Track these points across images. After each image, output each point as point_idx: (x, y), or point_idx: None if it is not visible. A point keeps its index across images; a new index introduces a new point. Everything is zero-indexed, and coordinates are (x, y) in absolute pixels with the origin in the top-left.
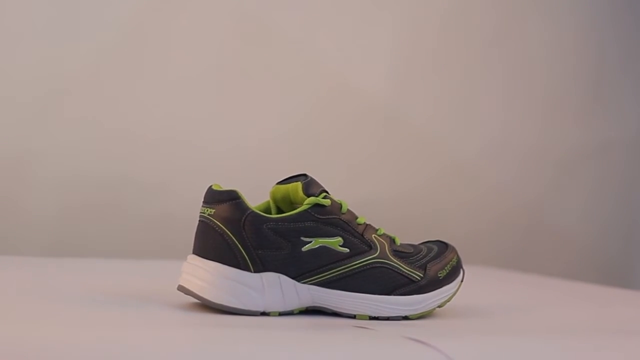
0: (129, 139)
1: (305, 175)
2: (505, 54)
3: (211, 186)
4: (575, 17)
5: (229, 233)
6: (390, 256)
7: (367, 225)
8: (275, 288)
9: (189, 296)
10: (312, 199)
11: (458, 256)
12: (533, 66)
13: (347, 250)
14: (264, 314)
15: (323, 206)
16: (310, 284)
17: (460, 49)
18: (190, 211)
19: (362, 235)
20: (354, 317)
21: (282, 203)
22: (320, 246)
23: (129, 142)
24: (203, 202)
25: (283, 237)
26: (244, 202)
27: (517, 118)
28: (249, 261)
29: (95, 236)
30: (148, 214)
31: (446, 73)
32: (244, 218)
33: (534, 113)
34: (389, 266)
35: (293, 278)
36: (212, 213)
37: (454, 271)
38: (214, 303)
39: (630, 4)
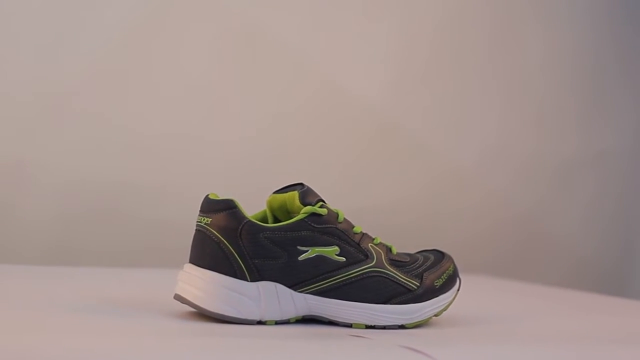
0: (127, 145)
1: (302, 184)
2: (501, 62)
3: (208, 195)
4: (572, 25)
5: (225, 242)
6: (386, 265)
7: (363, 234)
8: (271, 297)
9: (185, 305)
10: (308, 208)
11: (454, 265)
12: (530, 74)
13: (344, 259)
14: (260, 322)
15: (320, 215)
16: (307, 293)
17: (457, 57)
18: (188, 218)
19: (358, 244)
20: (350, 326)
21: (279, 212)
22: (316, 255)
23: (127, 148)
24: (200, 211)
25: (279, 246)
26: (240, 211)
27: (514, 126)
28: (245, 270)
29: (93, 242)
30: (146, 221)
31: (442, 81)
32: (240, 227)
33: (530, 121)
34: (385, 275)
35: (289, 287)
36: (208, 222)
37: (451, 280)
38: (211, 312)
39: (628, 12)
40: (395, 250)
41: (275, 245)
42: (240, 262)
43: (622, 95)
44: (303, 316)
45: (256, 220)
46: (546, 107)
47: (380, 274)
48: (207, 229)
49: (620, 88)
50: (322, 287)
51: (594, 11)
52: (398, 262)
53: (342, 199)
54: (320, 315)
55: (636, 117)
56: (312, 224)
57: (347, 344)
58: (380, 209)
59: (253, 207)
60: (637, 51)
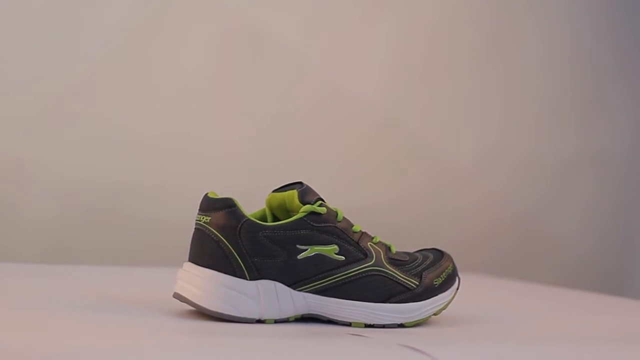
0: (127, 145)
1: (301, 183)
2: (500, 62)
3: (207, 194)
4: (571, 24)
5: (224, 241)
6: (385, 264)
7: (362, 233)
8: (270, 295)
9: (184, 303)
10: (307, 207)
11: (454, 264)
12: (529, 74)
13: (343, 258)
14: (259, 321)
15: (319, 214)
16: (306, 291)
17: (456, 56)
18: (187, 217)
19: (357, 243)
20: (349, 324)
21: (278, 211)
22: (316, 254)
23: (125, 148)
24: (199, 209)
25: (279, 245)
26: (239, 209)
27: (513, 125)
28: (244, 269)
29: (93, 241)
30: (145, 220)
31: (441, 80)
32: (239, 226)
33: (529, 121)
34: (384, 274)
35: (289, 286)
36: (207, 221)
37: (450, 279)
38: (210, 310)
39: (626, 13)
40: (394, 249)
41: (274, 244)
42: (240, 260)
43: (620, 95)
44: (302, 315)
45: (255, 219)
46: (545, 107)
47: (380, 273)
48: (207, 228)
49: (619, 88)
50: (322, 286)
51: (593, 11)
52: (397, 261)
53: (341, 198)
54: (319, 314)
55: (634, 116)
56: (312, 223)
57: (346, 342)
58: (380, 208)
59: (252, 205)
60: (635, 51)
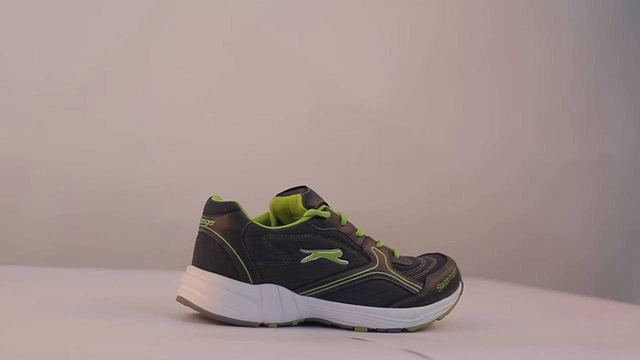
0: (130, 147)
1: (305, 187)
2: (503, 67)
3: (211, 197)
4: (575, 29)
5: (228, 244)
6: (389, 268)
7: (366, 237)
8: (274, 299)
9: (187, 307)
10: (311, 211)
11: (457, 269)
12: (532, 78)
13: (346, 262)
14: (262, 325)
15: (323, 218)
16: (309, 295)
17: (459, 61)
18: (191, 220)
19: (361, 247)
20: (352, 329)
21: (282, 215)
22: (319, 258)
23: (129, 150)
24: (203, 213)
25: (282, 249)
26: (243, 213)
27: (516, 130)
28: (248, 272)
29: (95, 244)
30: (148, 222)
31: (444, 84)
32: (243, 229)
33: (532, 125)
34: (388, 278)
35: (292, 290)
36: (211, 224)
37: (453, 284)
38: (213, 314)
39: (631, 19)
40: (398, 253)
41: (278, 248)
42: (243, 264)
43: (623, 101)
44: (305, 319)
45: (259, 222)
46: (547, 112)
47: (383, 277)
48: (210, 231)
49: (622, 94)
50: (325, 290)
51: (597, 17)
52: (401, 266)
53: (345, 202)
54: (322, 318)
55: (638, 122)
56: (315, 227)
57: (350, 347)
58: (383, 212)
59: (256, 209)
60: (639, 57)
